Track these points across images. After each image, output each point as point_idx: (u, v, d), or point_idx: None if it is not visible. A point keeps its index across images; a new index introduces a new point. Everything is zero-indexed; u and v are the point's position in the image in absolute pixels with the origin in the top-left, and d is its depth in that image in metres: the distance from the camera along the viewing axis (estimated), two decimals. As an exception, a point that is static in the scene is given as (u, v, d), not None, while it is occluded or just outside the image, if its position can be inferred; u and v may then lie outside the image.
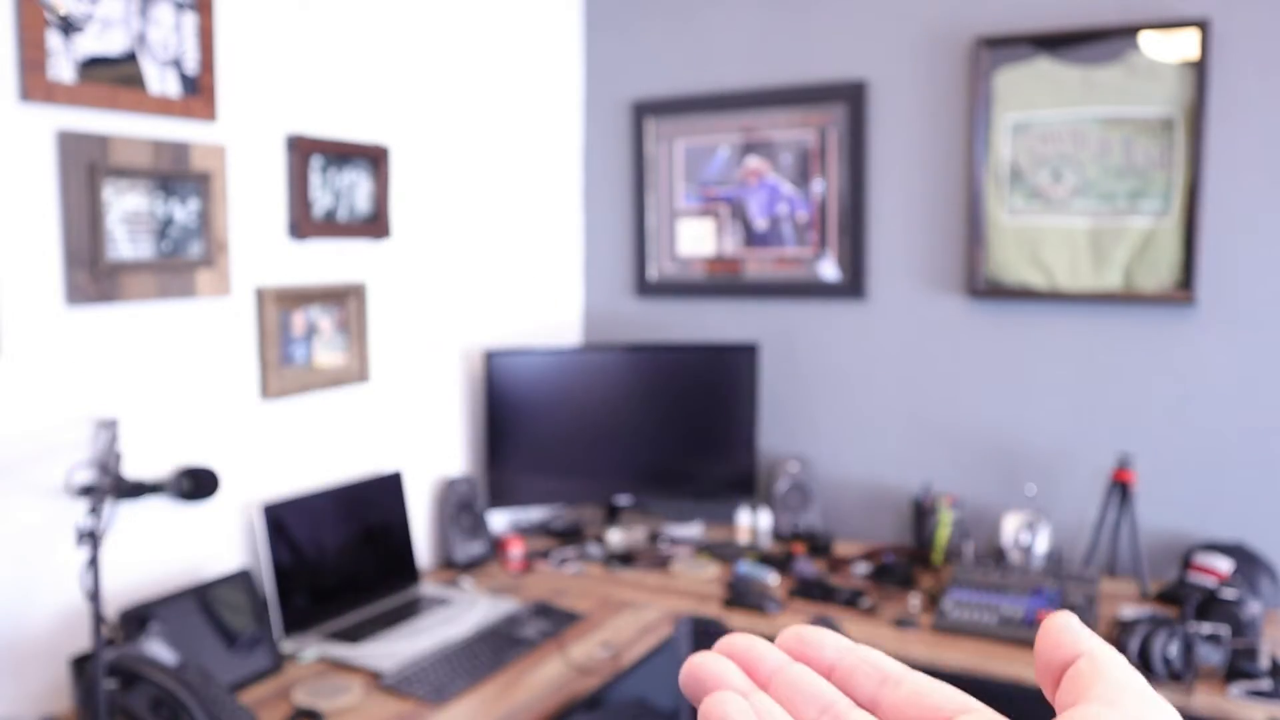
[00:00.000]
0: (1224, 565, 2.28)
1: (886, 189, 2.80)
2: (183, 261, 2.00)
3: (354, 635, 2.16)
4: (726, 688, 0.31)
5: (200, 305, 2.07)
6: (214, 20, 2.02)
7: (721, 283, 3.04)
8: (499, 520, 2.93)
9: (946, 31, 2.68)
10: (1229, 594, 2.06)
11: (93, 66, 1.82)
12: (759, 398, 2.91)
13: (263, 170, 2.18)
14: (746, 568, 2.50)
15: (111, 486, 1.65)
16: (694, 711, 2.47)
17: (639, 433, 2.91)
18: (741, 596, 2.36)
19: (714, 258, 3.05)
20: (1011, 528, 2.48)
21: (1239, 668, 1.91)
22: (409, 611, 2.30)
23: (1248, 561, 2.29)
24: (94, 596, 1.53)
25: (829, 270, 2.89)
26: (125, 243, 1.89)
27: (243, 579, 2.04)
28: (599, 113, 3.19)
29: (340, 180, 2.35)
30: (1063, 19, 2.53)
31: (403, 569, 2.46)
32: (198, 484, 1.83)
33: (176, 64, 1.97)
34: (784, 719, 0.31)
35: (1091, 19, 2.49)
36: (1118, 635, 2.01)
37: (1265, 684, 1.88)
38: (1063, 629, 0.31)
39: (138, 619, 1.81)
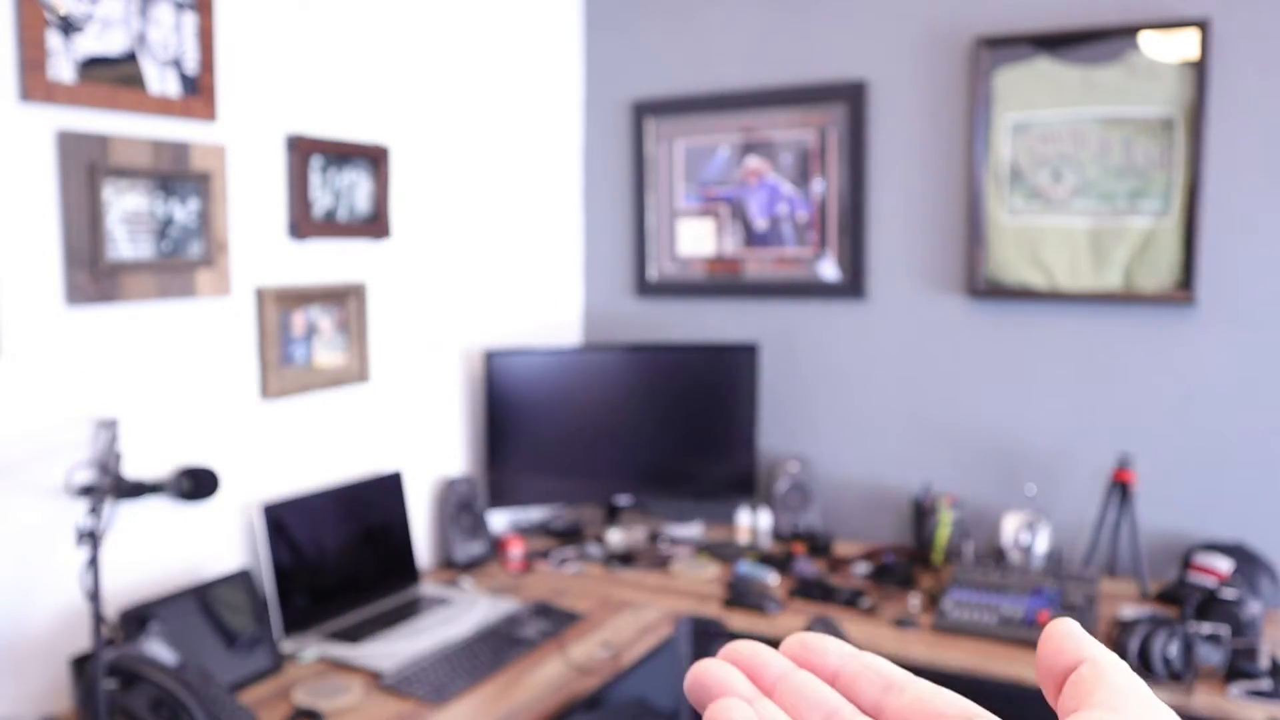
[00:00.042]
0: (1224, 565, 2.28)
1: (886, 189, 2.80)
2: (183, 261, 2.00)
3: (354, 635, 2.16)
4: (731, 694, 0.31)
5: (200, 305, 2.07)
6: (214, 20, 2.02)
7: (721, 283, 3.04)
8: (499, 520, 2.93)
9: (946, 31, 2.68)
10: (1229, 594, 2.06)
11: (93, 66, 1.82)
12: (759, 398, 2.91)
13: (263, 170, 2.18)
14: (746, 568, 2.50)
15: (111, 486, 1.65)
16: (695, 714, 2.47)
17: (639, 433, 2.91)
18: (741, 596, 2.36)
19: (714, 258, 3.05)
20: (1011, 528, 2.48)
21: (1239, 668, 1.92)
22: (409, 611, 2.30)
23: (1248, 561, 2.29)
24: (94, 596, 1.53)
25: (829, 270, 2.89)
26: (125, 243, 1.89)
27: (243, 579, 2.04)
28: (599, 113, 3.19)
29: (340, 180, 2.35)
30: (1063, 19, 2.53)
31: (403, 569, 2.46)
32: (198, 484, 1.83)
33: (176, 64, 1.97)
34: (788, 725, 0.31)
35: (1091, 19, 2.49)
36: (1118, 635, 2.01)
37: (1265, 684, 1.88)
38: (1065, 635, 0.31)
39: (138, 619, 1.81)
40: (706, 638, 2.36)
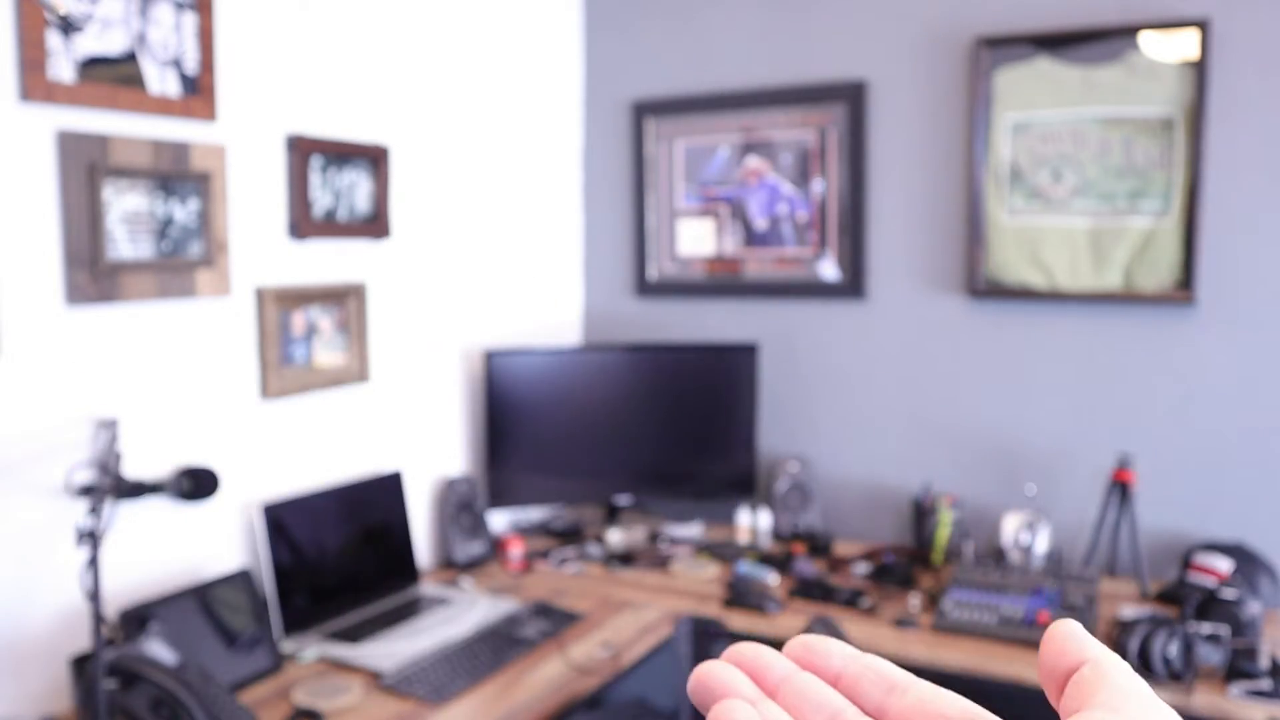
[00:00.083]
0: (1224, 565, 2.28)
1: (886, 189, 2.80)
2: (183, 261, 2.00)
3: (354, 635, 2.16)
4: (735, 696, 0.31)
5: (200, 305, 2.07)
6: (214, 20, 2.02)
7: (721, 283, 3.04)
8: (499, 520, 2.93)
9: (946, 31, 2.68)
10: (1229, 594, 2.06)
11: (93, 66, 1.82)
12: (759, 398, 2.91)
13: (262, 170, 2.18)
14: (746, 568, 2.50)
15: (111, 486, 1.65)
16: (695, 715, 2.48)
17: (639, 433, 2.91)
18: (741, 596, 2.36)
19: (714, 258, 3.05)
20: (1011, 528, 2.48)
21: (1239, 668, 1.92)
22: (409, 611, 2.30)
23: (1248, 561, 2.30)
24: (94, 596, 1.53)
25: (829, 270, 2.89)
26: (125, 243, 1.89)
27: (243, 579, 2.04)
28: (599, 113, 3.19)
29: (340, 180, 2.35)
30: (1063, 19, 2.53)
31: (403, 569, 2.46)
32: (198, 484, 1.83)
33: (176, 64, 1.97)
34: (791, 726, 0.31)
35: (1091, 19, 2.49)
36: (1118, 635, 2.01)
37: (1265, 684, 1.88)
38: (1068, 636, 0.31)
39: (138, 619, 1.81)
40: (706, 638, 2.36)
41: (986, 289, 2.65)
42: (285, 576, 2.16)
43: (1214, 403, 2.45)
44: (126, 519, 1.89)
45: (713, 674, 0.32)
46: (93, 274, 1.84)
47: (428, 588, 2.46)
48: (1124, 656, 0.30)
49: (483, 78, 2.81)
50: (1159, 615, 2.05)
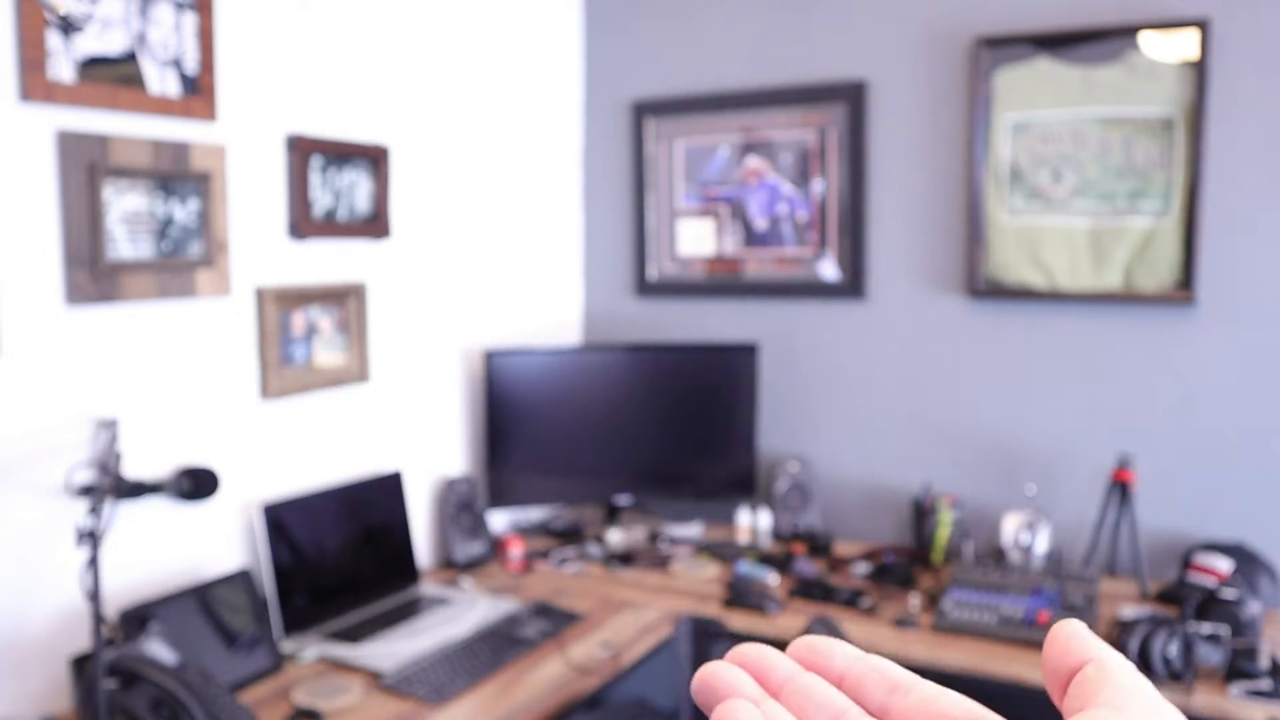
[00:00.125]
0: (1224, 565, 2.28)
1: (886, 189, 2.80)
2: (183, 261, 2.00)
3: (354, 635, 2.16)
4: (738, 696, 0.31)
5: (200, 305, 2.07)
6: (214, 20, 2.02)
7: (721, 283, 3.04)
8: (499, 520, 2.93)
9: (946, 31, 2.68)
10: (1229, 594, 2.06)
11: (93, 66, 1.82)
12: (759, 398, 2.91)
13: (262, 170, 2.18)
14: (746, 568, 2.50)
15: (111, 486, 1.65)
16: (696, 715, 2.47)
17: (639, 433, 2.91)
18: (741, 596, 2.36)
19: (714, 258, 3.05)
20: (1011, 528, 2.48)
21: (1239, 668, 1.92)
22: (409, 611, 2.30)
23: (1248, 561, 2.30)
24: (94, 596, 1.53)
25: (829, 270, 2.89)
26: (125, 243, 1.89)
27: (243, 579, 2.04)
28: (599, 113, 3.19)
29: (340, 180, 2.35)
30: (1063, 19, 2.53)
31: (403, 569, 2.46)
32: (198, 484, 1.83)
33: (176, 64, 1.97)
34: (794, 726, 0.31)
35: (1091, 19, 2.49)
36: (1118, 635, 2.01)
37: (1265, 684, 1.88)
38: (1071, 636, 0.31)
39: (138, 619, 1.81)
40: (706, 638, 2.36)
41: (986, 289, 2.65)
42: (285, 576, 2.16)
43: (1214, 403, 2.45)
44: (126, 519, 1.89)
45: (716, 674, 0.32)
46: (93, 274, 1.84)
47: (428, 588, 2.46)
48: (1124, 656, 0.30)
49: (483, 78, 2.81)
50: (1159, 615, 2.05)
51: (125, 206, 1.89)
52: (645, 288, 3.15)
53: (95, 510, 1.57)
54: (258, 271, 2.18)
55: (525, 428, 2.81)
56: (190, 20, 1.98)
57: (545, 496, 2.89)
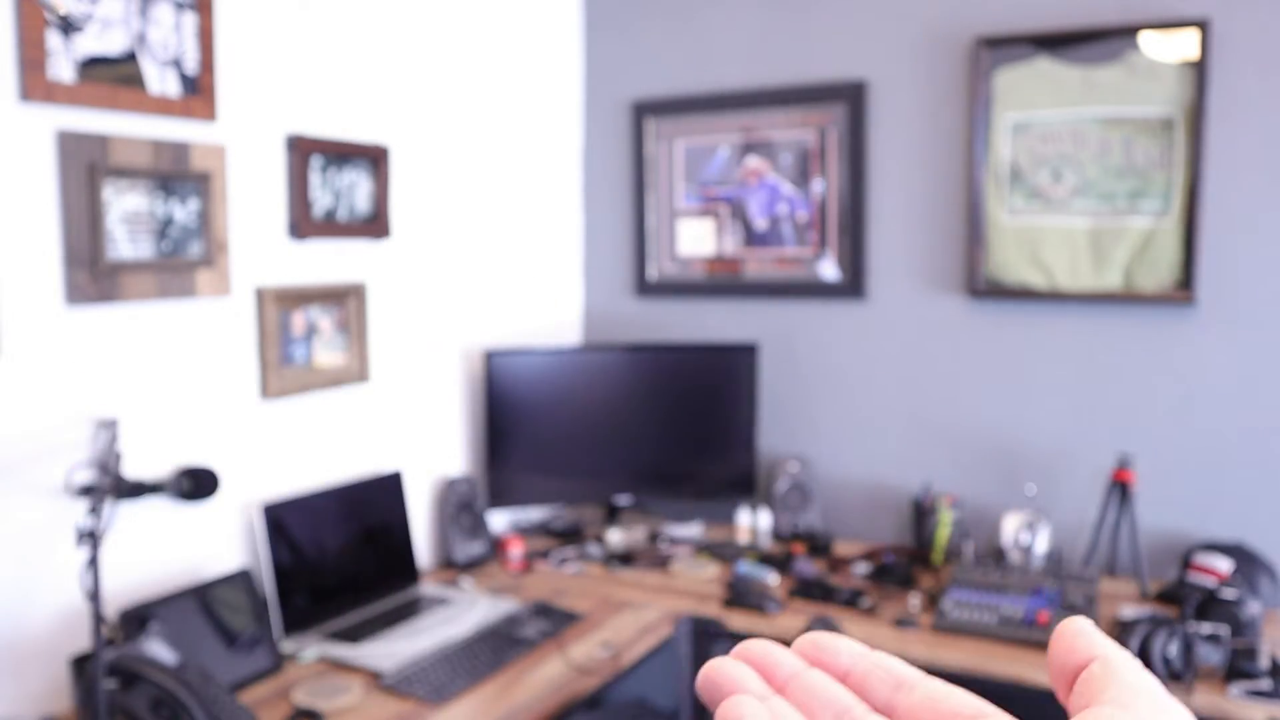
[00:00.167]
0: (1224, 565, 2.28)
1: (886, 189, 2.80)
2: (183, 261, 2.00)
3: (354, 635, 2.16)
4: (743, 692, 0.31)
5: (200, 305, 2.06)
6: (214, 20, 2.02)
7: (721, 283, 3.04)
8: (499, 520, 2.93)
9: (946, 31, 2.68)
10: (1229, 594, 2.06)
11: (93, 66, 1.82)
12: (759, 398, 2.91)
13: (262, 170, 2.18)
14: (746, 568, 2.50)
15: (111, 486, 1.65)
16: (696, 713, 2.47)
17: (639, 433, 2.91)
18: (741, 596, 2.36)
19: (714, 258, 3.05)
20: (1011, 528, 2.48)
21: (1239, 668, 1.92)
22: (409, 611, 2.30)
23: (1248, 561, 2.30)
24: (94, 596, 1.53)
25: (829, 270, 2.89)
26: (125, 243, 1.89)
27: (243, 579, 2.03)
28: (599, 113, 3.19)
29: (340, 180, 2.35)
30: (1063, 19, 2.53)
31: (403, 569, 2.46)
32: (198, 484, 1.83)
33: (176, 64, 1.97)
34: (799, 723, 0.31)
35: (1091, 19, 2.49)
36: (1118, 635, 2.01)
37: (1265, 684, 1.88)
38: (1077, 633, 0.31)
39: (138, 619, 1.81)
40: (706, 638, 2.36)
41: (986, 289, 2.65)
42: (285, 576, 2.16)
43: (1214, 403, 2.45)
44: (126, 519, 1.89)
45: (721, 670, 0.32)
46: (93, 274, 1.84)
47: (428, 588, 2.46)
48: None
49: (483, 78, 2.81)
50: (1159, 615, 2.05)
51: (125, 206, 1.89)
52: (645, 288, 3.15)
53: (95, 510, 1.57)
54: (258, 271, 2.18)
55: (525, 428, 2.81)
56: (190, 20, 1.98)
57: (545, 496, 2.89)
